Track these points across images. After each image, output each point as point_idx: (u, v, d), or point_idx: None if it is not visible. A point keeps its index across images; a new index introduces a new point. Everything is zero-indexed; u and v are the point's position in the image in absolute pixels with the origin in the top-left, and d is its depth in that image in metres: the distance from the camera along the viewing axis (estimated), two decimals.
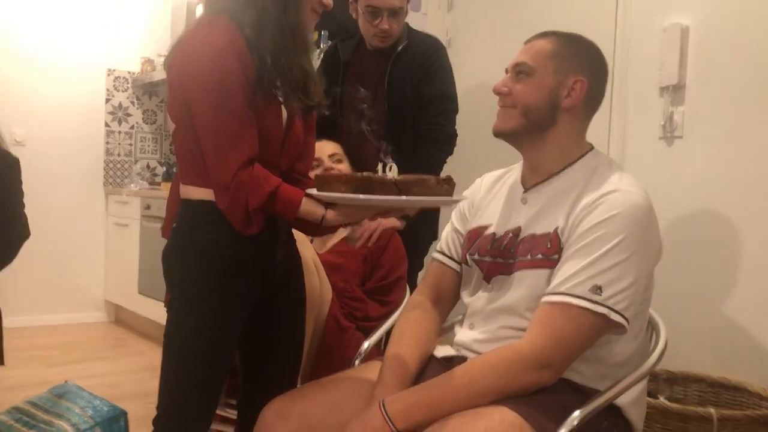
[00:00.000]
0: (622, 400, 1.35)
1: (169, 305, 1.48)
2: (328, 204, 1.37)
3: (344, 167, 2.15)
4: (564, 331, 1.25)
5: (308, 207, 1.37)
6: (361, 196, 1.28)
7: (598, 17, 2.61)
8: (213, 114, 1.35)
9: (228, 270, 1.44)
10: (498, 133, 1.45)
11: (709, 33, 2.28)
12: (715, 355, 2.26)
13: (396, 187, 1.28)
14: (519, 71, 1.41)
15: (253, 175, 1.35)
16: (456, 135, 2.45)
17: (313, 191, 1.36)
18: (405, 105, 2.39)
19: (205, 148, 1.37)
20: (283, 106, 1.46)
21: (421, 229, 2.29)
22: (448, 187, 1.34)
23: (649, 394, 2.06)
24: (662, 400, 2.02)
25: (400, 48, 2.41)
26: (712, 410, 1.83)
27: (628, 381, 1.32)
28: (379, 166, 1.35)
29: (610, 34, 2.55)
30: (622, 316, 1.25)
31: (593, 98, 1.43)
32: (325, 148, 2.15)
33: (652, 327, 1.51)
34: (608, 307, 1.24)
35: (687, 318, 2.30)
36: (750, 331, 2.21)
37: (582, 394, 1.31)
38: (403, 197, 1.28)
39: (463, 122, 2.49)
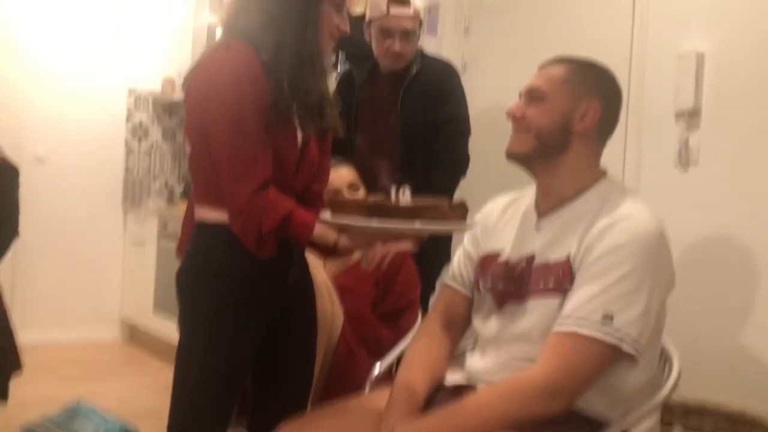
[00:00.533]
0: None
1: (182, 325, 1.49)
2: (341, 229, 1.37)
3: (361, 193, 2.15)
4: (575, 360, 1.24)
5: (321, 232, 1.38)
6: (374, 224, 1.28)
7: (613, 42, 2.60)
8: (228, 137, 1.36)
9: (241, 291, 1.45)
10: (511, 156, 1.45)
11: (725, 59, 2.27)
12: (732, 383, 2.23)
13: (409, 213, 1.28)
14: (532, 96, 1.42)
15: (267, 198, 1.36)
16: (468, 158, 2.45)
17: (327, 216, 1.37)
18: (418, 128, 2.40)
19: (220, 170, 1.39)
20: (298, 129, 1.47)
21: (434, 252, 2.29)
22: (461, 212, 1.34)
23: (663, 426, 2.04)
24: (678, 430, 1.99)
25: (413, 72, 2.43)
26: None
27: (641, 412, 1.31)
28: (392, 189, 1.35)
29: (626, 59, 2.55)
30: (634, 345, 1.24)
31: (607, 123, 1.43)
32: (344, 177, 2.13)
33: (665, 357, 1.49)
34: (619, 338, 1.23)
35: (704, 345, 2.27)
36: None
37: (591, 426, 1.30)
38: (416, 224, 1.28)
39: (477, 145, 2.49)
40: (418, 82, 2.41)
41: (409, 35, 2.37)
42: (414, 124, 2.40)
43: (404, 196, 1.32)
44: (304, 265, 1.62)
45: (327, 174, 1.65)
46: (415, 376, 1.43)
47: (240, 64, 1.38)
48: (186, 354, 1.47)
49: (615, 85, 1.45)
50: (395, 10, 2.36)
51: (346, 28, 1.52)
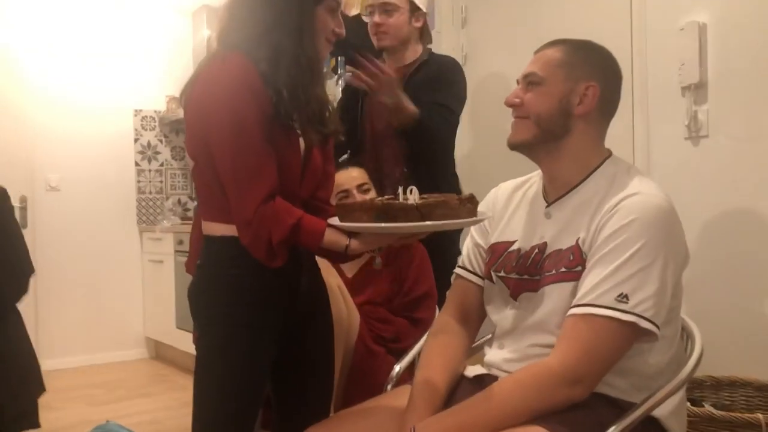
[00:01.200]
0: (661, 412, 1.31)
1: (198, 342, 1.49)
2: (351, 232, 1.36)
3: (372, 195, 2.13)
4: (592, 343, 1.22)
5: (332, 237, 1.37)
6: (384, 225, 1.28)
7: (613, 21, 2.58)
8: (231, 151, 1.35)
9: (254, 304, 1.45)
10: (513, 145, 1.43)
11: (727, 29, 2.24)
12: (759, 358, 2.19)
13: (418, 212, 1.27)
14: (529, 81, 1.40)
15: (274, 208, 1.35)
16: (447, 145, 2.40)
17: (336, 221, 1.36)
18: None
19: (226, 184, 1.38)
20: (300, 137, 1.46)
21: (444, 243, 2.27)
22: (470, 205, 1.33)
23: (694, 402, 2.01)
24: (708, 407, 1.96)
25: (415, 67, 2.42)
26: (760, 416, 1.77)
27: (665, 391, 1.29)
28: (400, 190, 1.34)
29: (627, 36, 2.52)
30: (652, 322, 1.22)
31: (607, 103, 1.41)
32: (355, 178, 2.12)
33: (686, 334, 1.47)
34: (637, 315, 1.21)
35: (726, 321, 2.24)
36: None
37: (618, 409, 1.28)
38: (426, 222, 1.27)
39: (480, 137, 2.48)
40: (420, 76, 2.40)
41: (389, 9, 2.37)
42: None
43: (412, 196, 1.31)
44: (316, 271, 1.61)
45: (332, 180, 1.64)
46: (433, 372, 1.42)
47: (237, 76, 1.37)
48: (204, 369, 1.47)
49: (613, 64, 1.43)
50: None
51: (342, 31, 1.51)
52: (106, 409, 3.49)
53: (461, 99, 2.45)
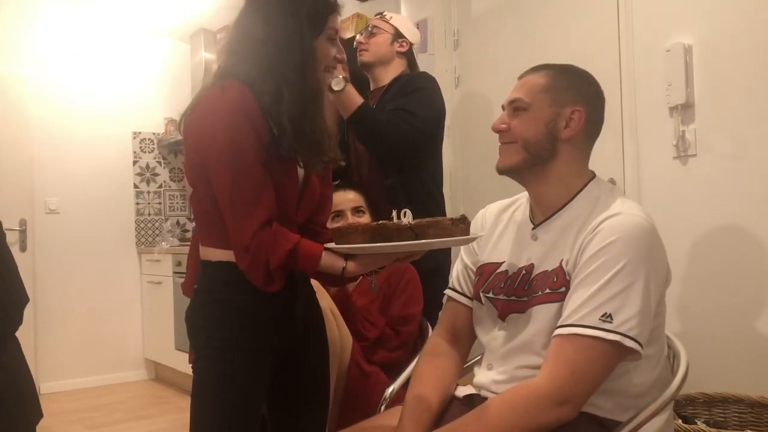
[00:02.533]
0: (648, 430, 1.33)
1: (195, 365, 1.50)
2: (347, 255, 1.39)
3: (366, 219, 2.14)
4: (578, 363, 1.24)
5: (329, 261, 1.39)
6: (380, 245, 1.30)
7: (601, 43, 2.62)
8: (229, 178, 1.38)
9: (250, 328, 1.46)
10: (502, 170, 1.46)
11: (712, 50, 2.28)
12: (750, 375, 2.21)
13: (412, 232, 1.30)
14: (515, 107, 1.43)
15: (272, 234, 1.37)
16: (405, 144, 2.30)
17: (332, 245, 1.38)
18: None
19: (224, 210, 1.40)
20: (300, 165, 1.49)
21: (431, 269, 2.28)
22: (463, 226, 1.36)
23: (686, 419, 2.02)
24: (700, 424, 1.97)
25: (387, 84, 2.47)
26: None
27: (651, 410, 1.31)
28: (394, 213, 1.37)
29: (615, 58, 2.56)
30: (636, 341, 1.24)
31: (592, 126, 1.44)
32: (351, 201, 2.14)
33: (672, 353, 1.49)
34: (621, 334, 1.23)
35: (717, 338, 2.25)
36: None
37: (604, 428, 1.30)
38: (420, 241, 1.30)
39: (471, 158, 2.50)
40: (390, 92, 2.44)
41: (373, 31, 2.46)
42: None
43: (405, 218, 1.34)
44: (312, 296, 1.63)
45: (329, 203, 1.66)
46: (424, 393, 1.43)
47: (236, 104, 1.39)
48: (201, 393, 1.48)
49: (596, 88, 1.47)
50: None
51: (343, 56, 1.55)
52: None
53: (428, 104, 2.38)
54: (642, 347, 1.25)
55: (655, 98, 2.43)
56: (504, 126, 1.44)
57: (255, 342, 1.47)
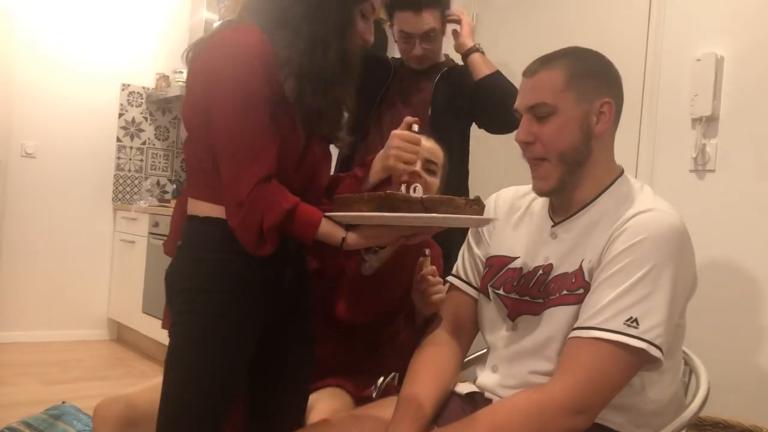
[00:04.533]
0: None
1: (172, 328, 1.38)
2: (348, 226, 1.28)
3: (435, 182, 1.75)
4: (599, 370, 1.15)
5: (328, 228, 1.28)
6: (384, 215, 1.19)
7: (627, 43, 2.54)
8: (235, 122, 1.26)
9: (235, 292, 1.35)
10: (543, 194, 1.34)
11: (745, 64, 2.20)
12: (747, 401, 2.15)
13: (422, 205, 1.18)
14: (538, 114, 1.28)
15: (270, 191, 1.26)
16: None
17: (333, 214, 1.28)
18: (450, 122, 2.32)
19: (222, 159, 1.28)
20: (301, 128, 1.37)
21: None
22: (477, 207, 1.25)
23: None
24: None
25: (445, 69, 2.36)
26: None
27: (672, 428, 1.22)
28: (402, 187, 1.26)
29: (641, 62, 2.48)
30: (661, 350, 1.15)
31: (619, 113, 1.32)
32: (425, 151, 1.69)
33: (690, 370, 1.41)
34: (647, 341, 1.14)
35: (718, 360, 2.18)
36: None
37: None
38: (429, 215, 1.19)
39: (486, 144, 2.42)
40: (452, 76, 2.35)
41: (429, 36, 2.29)
42: (446, 117, 2.31)
43: (416, 193, 1.23)
44: (302, 268, 1.52)
45: (326, 175, 1.55)
46: (421, 387, 1.33)
47: (251, 47, 1.27)
48: (176, 359, 1.36)
49: (613, 68, 1.33)
50: (411, 16, 2.27)
51: (371, 38, 1.43)
52: (59, 389, 3.35)
53: None
54: (664, 357, 1.16)
55: (678, 107, 2.35)
56: (531, 137, 1.29)
57: (240, 308, 1.35)
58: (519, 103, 1.32)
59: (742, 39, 2.21)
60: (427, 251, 1.59)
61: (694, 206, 2.30)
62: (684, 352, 1.40)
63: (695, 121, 2.29)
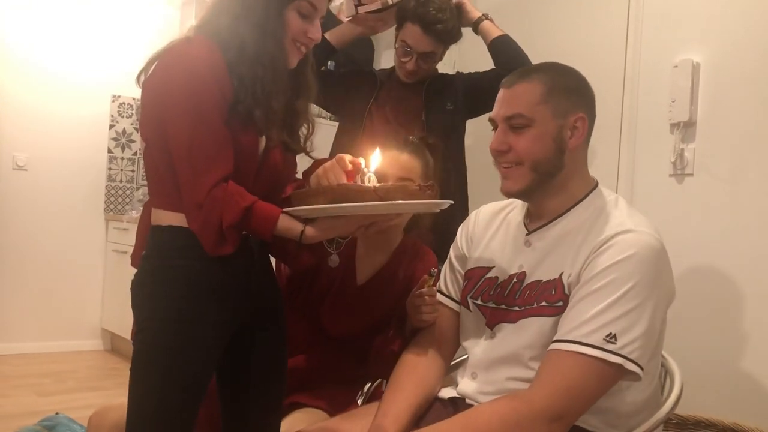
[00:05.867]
0: None
1: (136, 337, 1.38)
2: (307, 219, 1.30)
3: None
4: (576, 381, 1.19)
5: (286, 224, 1.30)
6: (338, 206, 1.23)
7: (607, 52, 2.59)
8: (188, 130, 1.29)
9: (198, 297, 1.36)
10: (510, 195, 1.38)
11: (721, 70, 2.25)
12: (727, 400, 2.19)
13: (375, 194, 1.22)
14: (513, 125, 1.33)
15: (227, 191, 1.29)
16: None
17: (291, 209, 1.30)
18: (444, 126, 2.36)
19: (179, 165, 1.31)
20: (260, 135, 1.41)
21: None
22: (431, 192, 1.27)
23: None
24: None
25: (432, 77, 2.41)
26: None
27: (642, 429, 1.26)
28: (357, 178, 1.29)
29: (620, 69, 2.53)
30: (637, 364, 1.19)
31: (590, 130, 1.37)
32: (397, 167, 1.69)
33: (666, 371, 1.45)
34: (623, 357, 1.18)
35: (697, 360, 2.24)
36: (765, 375, 2.14)
37: None
38: (379, 202, 1.21)
39: (473, 154, 2.46)
40: (439, 82, 2.39)
41: (428, 56, 2.33)
42: (440, 119, 2.35)
43: (370, 182, 1.27)
44: (269, 271, 1.54)
45: (290, 187, 1.55)
46: (403, 394, 1.38)
47: (201, 56, 1.31)
48: (140, 367, 1.37)
49: (588, 85, 1.38)
50: (419, 33, 2.28)
51: (317, 35, 1.44)
52: (54, 400, 3.36)
53: None
54: (642, 370, 1.21)
55: (657, 113, 2.40)
56: (504, 147, 1.34)
57: (203, 314, 1.36)
58: (495, 113, 1.37)
59: (717, 45, 2.27)
60: (434, 270, 1.59)
61: (673, 210, 2.34)
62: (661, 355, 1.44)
63: (673, 126, 2.34)
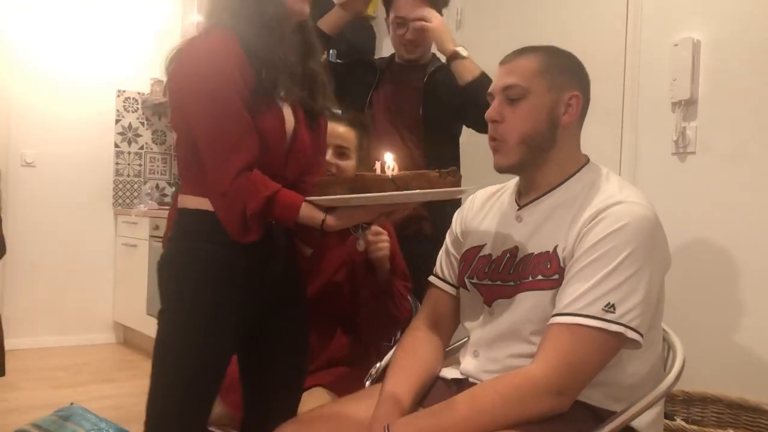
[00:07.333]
0: (639, 423, 1.30)
1: (161, 316, 1.44)
2: (328, 209, 1.34)
3: (350, 164, 1.89)
4: (579, 353, 1.20)
5: (308, 212, 1.34)
6: (357, 196, 1.25)
7: (608, 33, 2.58)
8: (209, 120, 1.33)
9: (222, 281, 1.40)
10: (501, 170, 1.39)
11: (722, 47, 2.25)
12: (732, 375, 2.21)
13: (393, 184, 1.23)
14: (510, 95, 1.35)
15: (251, 180, 1.33)
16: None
17: (313, 198, 1.34)
18: (442, 119, 2.36)
19: (204, 154, 1.36)
20: (285, 113, 1.44)
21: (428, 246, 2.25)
22: (452, 179, 1.28)
23: (666, 416, 2.01)
24: (679, 421, 1.96)
25: (434, 68, 2.40)
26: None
27: (645, 402, 1.27)
28: (377, 165, 1.31)
29: (621, 49, 2.52)
30: (637, 332, 1.21)
31: (585, 110, 1.39)
32: (333, 137, 1.82)
33: (668, 345, 1.46)
34: (623, 325, 1.20)
35: (703, 336, 2.25)
36: None
37: (596, 416, 1.27)
38: (400, 192, 1.23)
39: (471, 139, 2.46)
40: (440, 75, 2.37)
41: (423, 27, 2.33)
42: (437, 115, 2.35)
43: (390, 170, 1.28)
44: (293, 258, 1.57)
45: (322, 168, 1.61)
46: (404, 374, 1.39)
47: (219, 46, 1.36)
48: (163, 347, 1.42)
49: (584, 69, 1.41)
50: (413, 2, 2.30)
51: (302, 10, 1.47)
52: (69, 392, 3.41)
53: None
54: (643, 337, 1.22)
55: (658, 92, 2.40)
56: (499, 117, 1.36)
57: (226, 296, 1.41)
58: (493, 87, 1.39)
59: (718, 23, 2.26)
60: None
61: (676, 188, 2.35)
62: (663, 329, 1.46)
63: (675, 104, 2.34)
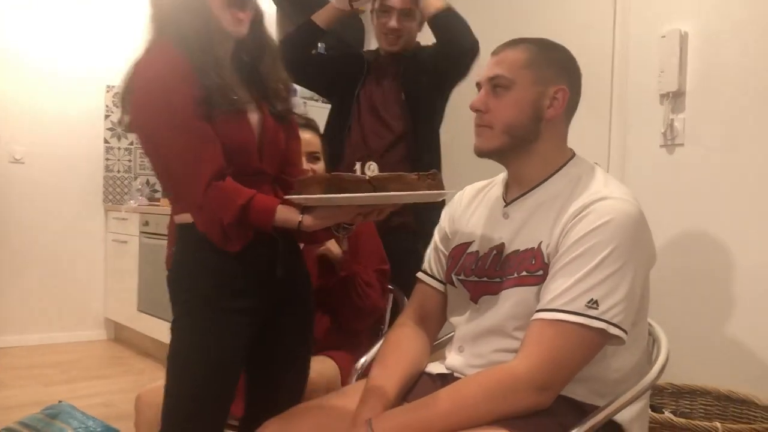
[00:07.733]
0: (623, 417, 1.30)
1: (173, 326, 1.47)
2: (305, 209, 1.33)
3: (321, 166, 2.02)
4: (561, 350, 1.19)
5: (284, 215, 1.34)
6: (332, 197, 1.24)
7: (596, 25, 2.57)
8: (166, 137, 1.34)
9: (227, 288, 1.43)
10: (481, 153, 1.39)
11: (709, 39, 2.24)
12: (721, 368, 2.21)
13: (369, 185, 1.23)
14: (496, 85, 1.35)
15: (223, 190, 1.33)
16: (472, 51, 2.33)
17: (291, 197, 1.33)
18: (421, 100, 2.35)
19: (173, 173, 1.38)
20: (249, 113, 1.44)
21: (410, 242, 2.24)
22: (432, 182, 1.28)
23: (654, 409, 2.02)
24: (667, 414, 1.97)
25: (413, 53, 2.39)
26: (718, 424, 1.78)
27: (628, 396, 1.27)
28: (357, 165, 1.30)
29: (609, 41, 2.52)
30: (620, 328, 1.20)
31: (573, 105, 1.39)
32: (307, 143, 1.92)
33: (653, 339, 1.46)
34: (606, 321, 1.19)
35: (691, 330, 2.25)
36: (757, 343, 2.15)
37: (580, 411, 1.26)
38: (376, 194, 1.23)
39: (459, 133, 2.45)
40: (416, 56, 2.37)
41: (407, 14, 2.32)
42: (416, 96, 2.34)
43: (370, 171, 1.27)
44: (296, 258, 1.58)
45: (297, 157, 1.62)
46: (389, 369, 1.39)
47: (159, 62, 1.36)
48: (175, 355, 1.45)
49: (575, 63, 1.40)
50: None
51: (239, 31, 1.46)
52: (59, 390, 3.40)
53: None
54: (626, 334, 1.21)
55: (646, 84, 2.39)
56: (484, 107, 1.36)
57: (232, 302, 1.43)
58: (481, 76, 1.39)
59: (705, 15, 2.25)
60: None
61: (665, 180, 2.35)
62: (648, 323, 1.46)
63: (663, 96, 2.34)
